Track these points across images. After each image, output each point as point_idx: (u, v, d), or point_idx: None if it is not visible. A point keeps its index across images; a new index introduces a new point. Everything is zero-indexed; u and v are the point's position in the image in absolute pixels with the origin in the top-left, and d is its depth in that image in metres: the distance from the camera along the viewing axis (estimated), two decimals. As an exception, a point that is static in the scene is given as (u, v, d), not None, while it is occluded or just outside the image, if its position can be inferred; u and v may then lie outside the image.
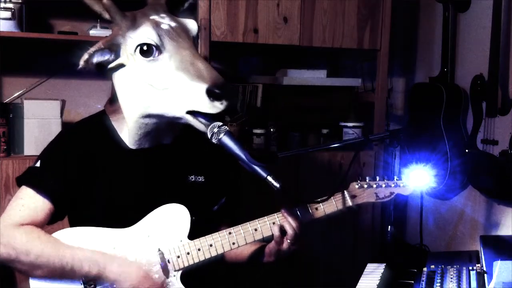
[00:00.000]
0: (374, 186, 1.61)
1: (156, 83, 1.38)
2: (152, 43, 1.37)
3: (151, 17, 1.41)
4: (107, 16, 1.40)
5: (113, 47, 1.40)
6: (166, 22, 1.41)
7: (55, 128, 2.42)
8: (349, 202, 1.59)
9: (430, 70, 2.99)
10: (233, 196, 1.68)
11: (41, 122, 2.41)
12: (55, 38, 2.46)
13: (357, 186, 1.61)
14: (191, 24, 1.46)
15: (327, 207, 1.58)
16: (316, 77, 2.79)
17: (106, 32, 2.44)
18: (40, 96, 2.64)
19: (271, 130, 2.64)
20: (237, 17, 2.51)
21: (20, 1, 2.37)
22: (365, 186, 1.61)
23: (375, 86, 2.92)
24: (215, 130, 1.39)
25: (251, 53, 3.00)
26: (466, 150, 2.56)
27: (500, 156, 2.38)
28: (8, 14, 2.32)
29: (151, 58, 1.38)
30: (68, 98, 2.63)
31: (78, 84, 2.75)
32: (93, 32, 2.45)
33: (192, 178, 1.58)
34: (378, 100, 2.82)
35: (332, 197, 1.59)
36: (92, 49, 1.36)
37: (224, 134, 1.39)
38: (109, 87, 1.54)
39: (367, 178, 1.62)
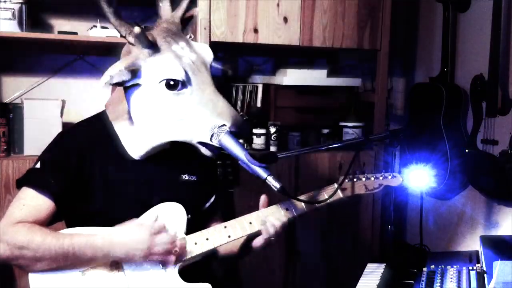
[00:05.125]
0: (363, 179, 1.70)
1: (176, 114, 1.43)
2: (180, 79, 1.41)
3: (173, 47, 1.44)
4: (131, 40, 1.41)
5: (134, 70, 1.42)
6: (186, 55, 1.45)
7: (55, 128, 2.41)
8: (340, 195, 1.66)
9: (430, 70, 3.00)
10: (223, 195, 1.70)
11: (41, 122, 2.41)
12: (55, 38, 2.46)
13: (347, 180, 1.68)
14: (207, 53, 1.50)
15: (318, 200, 1.64)
16: (316, 77, 2.79)
17: (106, 32, 2.44)
18: (40, 96, 2.64)
19: (271, 130, 2.64)
20: (237, 17, 2.51)
21: (20, 1, 2.37)
22: (355, 179, 1.69)
23: (375, 86, 2.92)
24: (215, 130, 1.41)
25: (251, 53, 3.00)
26: (466, 150, 2.57)
27: (500, 156, 2.39)
28: (8, 14, 2.32)
29: (175, 91, 1.41)
30: (68, 98, 2.63)
31: (78, 84, 2.75)
32: (93, 32, 2.45)
33: (185, 177, 1.60)
34: (378, 100, 2.82)
35: (323, 191, 1.65)
36: (112, 72, 1.37)
37: (224, 135, 1.40)
38: (109, 88, 1.54)
39: (357, 172, 1.70)
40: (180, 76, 1.41)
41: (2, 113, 2.42)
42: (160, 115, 1.44)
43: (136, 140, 1.51)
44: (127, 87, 1.46)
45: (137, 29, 1.38)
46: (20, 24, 2.37)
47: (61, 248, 1.37)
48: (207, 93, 1.43)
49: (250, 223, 1.55)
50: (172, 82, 1.41)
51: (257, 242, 1.58)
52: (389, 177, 1.71)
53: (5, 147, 2.40)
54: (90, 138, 1.53)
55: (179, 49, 1.44)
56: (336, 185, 1.66)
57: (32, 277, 1.40)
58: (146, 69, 1.42)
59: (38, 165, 1.48)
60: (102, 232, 1.44)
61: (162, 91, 1.42)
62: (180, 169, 1.60)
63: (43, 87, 2.69)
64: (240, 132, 1.44)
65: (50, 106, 2.44)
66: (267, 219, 1.54)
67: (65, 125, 2.48)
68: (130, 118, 1.48)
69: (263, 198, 1.58)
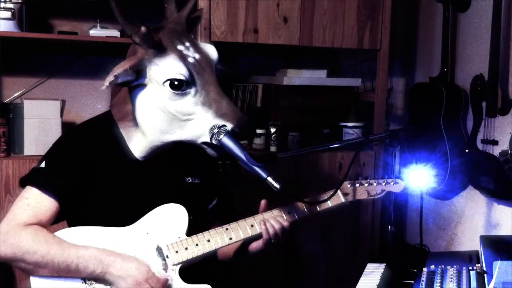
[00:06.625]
0: (366, 184, 1.70)
1: (179, 114, 1.43)
2: (184, 78, 1.41)
3: (178, 47, 1.43)
4: (137, 40, 1.41)
5: (139, 70, 1.42)
6: (191, 54, 1.44)
7: (55, 128, 2.42)
8: (342, 199, 1.67)
9: (430, 70, 3.00)
10: (224, 196, 1.70)
11: (41, 122, 2.41)
12: (55, 38, 2.46)
13: (349, 185, 1.68)
14: (212, 53, 1.51)
15: (320, 204, 1.64)
16: (316, 77, 2.79)
17: (106, 32, 2.44)
18: (40, 96, 2.64)
19: (271, 130, 2.64)
20: (237, 17, 2.51)
21: (20, 1, 2.37)
22: (357, 184, 1.69)
23: (375, 86, 2.92)
24: (215, 131, 1.42)
25: (251, 53, 3.00)
26: (466, 150, 2.56)
27: (500, 156, 2.39)
28: (8, 14, 2.32)
29: (180, 92, 1.41)
30: (68, 98, 2.63)
31: (78, 84, 2.75)
32: (93, 32, 2.45)
33: (189, 179, 1.61)
34: (378, 100, 2.82)
35: (325, 195, 1.65)
36: (117, 71, 1.37)
37: (224, 135, 1.41)
38: (110, 88, 1.54)
39: (360, 178, 1.71)
40: (185, 76, 1.41)
41: (2, 113, 2.42)
42: (164, 115, 1.44)
43: (141, 140, 1.51)
44: (132, 87, 1.46)
45: (143, 29, 1.38)
46: (20, 24, 2.37)
47: (65, 261, 1.38)
48: (212, 93, 1.43)
49: (252, 225, 1.55)
50: (176, 83, 1.41)
51: (255, 245, 1.58)
52: (392, 183, 1.71)
53: (5, 147, 2.40)
54: (95, 139, 1.53)
55: (184, 49, 1.44)
56: (338, 190, 1.66)
57: (34, 280, 1.41)
58: (151, 69, 1.43)
59: (42, 164, 1.48)
60: (106, 234, 1.45)
61: (166, 92, 1.42)
62: (184, 171, 1.60)
63: (43, 87, 2.70)
64: (244, 133, 1.44)
65: (50, 106, 2.44)
66: (267, 221, 1.54)
67: (65, 125, 2.48)
68: (134, 118, 1.49)
69: (262, 203, 1.58)
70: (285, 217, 1.57)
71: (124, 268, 1.40)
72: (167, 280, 1.46)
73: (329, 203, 1.64)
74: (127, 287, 1.40)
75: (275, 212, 1.59)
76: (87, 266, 1.39)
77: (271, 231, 1.53)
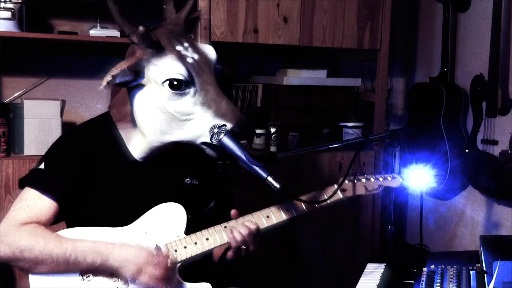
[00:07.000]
0: (363, 180, 1.71)
1: (179, 114, 1.43)
2: (183, 78, 1.41)
3: (177, 48, 1.44)
4: (135, 40, 1.41)
5: (137, 70, 1.42)
6: (190, 54, 1.45)
7: (55, 128, 2.42)
8: (340, 195, 1.67)
9: (430, 70, 3.00)
10: (223, 197, 1.70)
11: (41, 122, 2.41)
12: (55, 38, 2.46)
13: (347, 181, 1.69)
14: (210, 53, 1.51)
15: (317, 201, 1.65)
16: (316, 77, 2.79)
17: (106, 32, 2.44)
18: (40, 96, 2.64)
19: (271, 130, 2.64)
20: (237, 17, 2.51)
21: (20, 1, 2.37)
22: (355, 180, 1.70)
23: (375, 86, 2.92)
24: (215, 130, 1.42)
25: (251, 53, 3.00)
26: (466, 150, 2.56)
27: (500, 156, 2.39)
28: (8, 14, 2.32)
29: (178, 92, 1.41)
30: (68, 98, 2.63)
31: (78, 84, 2.75)
32: (93, 32, 2.45)
33: (188, 180, 1.61)
34: (378, 100, 2.82)
35: (324, 192, 1.65)
36: (115, 71, 1.37)
37: (224, 135, 1.41)
38: (110, 89, 1.54)
39: (357, 173, 1.72)
40: (184, 76, 1.41)
41: (2, 113, 2.42)
42: (163, 115, 1.44)
43: (140, 141, 1.51)
44: (130, 88, 1.46)
45: (141, 29, 1.38)
46: (20, 24, 2.37)
47: (63, 254, 1.38)
48: (211, 93, 1.43)
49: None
50: (175, 82, 1.41)
51: (229, 253, 1.57)
52: (389, 178, 1.72)
53: (5, 147, 2.40)
54: (94, 139, 1.53)
55: (182, 49, 1.44)
56: (336, 186, 1.66)
57: (33, 278, 1.41)
58: (149, 70, 1.43)
59: (42, 166, 1.48)
60: (105, 234, 1.45)
61: (166, 92, 1.42)
62: (182, 172, 1.60)
63: (43, 87, 2.70)
64: (244, 133, 1.44)
65: (50, 106, 2.44)
66: (233, 229, 1.52)
67: (65, 125, 2.48)
68: (133, 119, 1.49)
69: (233, 213, 1.57)
70: (253, 221, 1.56)
71: (124, 256, 1.40)
72: (169, 256, 1.45)
73: (328, 201, 1.64)
74: (131, 273, 1.40)
75: (273, 209, 1.59)
76: (86, 258, 1.39)
77: (238, 238, 1.52)
